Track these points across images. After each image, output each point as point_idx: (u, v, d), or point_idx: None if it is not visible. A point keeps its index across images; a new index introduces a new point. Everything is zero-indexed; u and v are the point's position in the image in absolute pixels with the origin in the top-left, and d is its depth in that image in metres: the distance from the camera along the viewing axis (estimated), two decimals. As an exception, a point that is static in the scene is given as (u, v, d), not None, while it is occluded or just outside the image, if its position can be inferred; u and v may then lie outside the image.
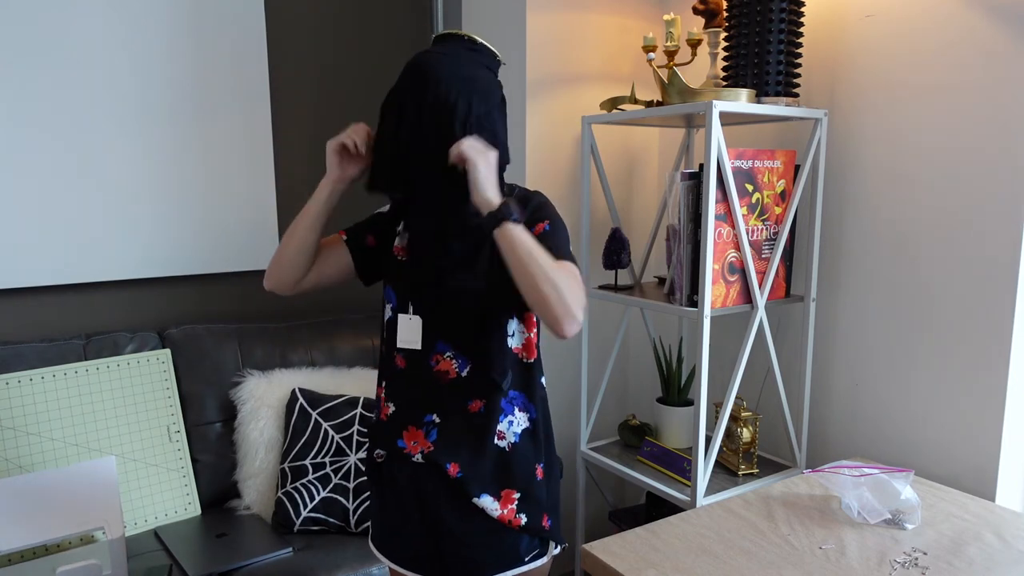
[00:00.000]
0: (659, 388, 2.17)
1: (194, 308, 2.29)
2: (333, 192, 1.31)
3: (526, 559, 1.31)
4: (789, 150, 1.83)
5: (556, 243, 1.23)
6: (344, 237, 1.38)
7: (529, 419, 1.32)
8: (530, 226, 1.25)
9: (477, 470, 1.27)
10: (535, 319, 1.34)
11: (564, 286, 1.11)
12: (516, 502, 1.29)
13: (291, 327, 2.22)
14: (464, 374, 1.28)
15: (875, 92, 1.80)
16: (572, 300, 1.11)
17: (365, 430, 1.95)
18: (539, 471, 1.32)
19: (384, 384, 1.35)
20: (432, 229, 1.27)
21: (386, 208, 1.42)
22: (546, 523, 1.33)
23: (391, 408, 1.33)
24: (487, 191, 1.16)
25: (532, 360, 1.33)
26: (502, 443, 1.29)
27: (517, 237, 1.14)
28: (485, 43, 1.26)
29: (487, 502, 1.27)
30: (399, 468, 1.31)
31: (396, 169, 1.25)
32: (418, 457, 1.29)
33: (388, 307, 1.35)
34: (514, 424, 1.31)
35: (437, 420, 1.29)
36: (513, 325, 1.31)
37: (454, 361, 1.28)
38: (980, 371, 1.65)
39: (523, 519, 1.30)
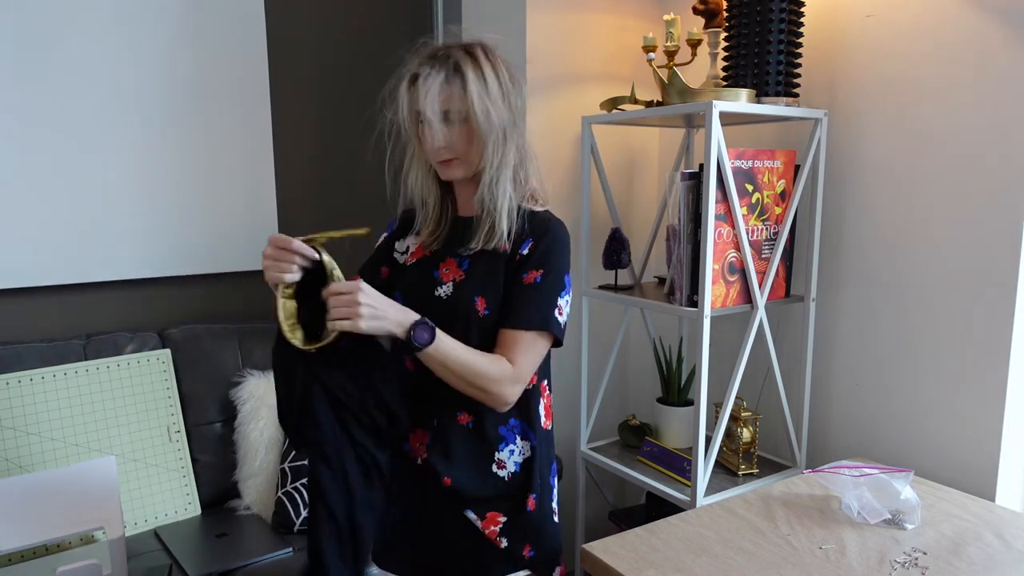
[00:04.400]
0: (659, 388, 2.17)
1: (194, 308, 2.29)
2: None
3: None
4: (789, 150, 1.83)
5: (539, 299, 1.21)
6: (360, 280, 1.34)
7: (531, 447, 1.30)
8: (525, 268, 1.22)
9: (470, 488, 1.26)
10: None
11: (493, 379, 1.17)
12: (500, 525, 1.28)
13: (291, 327, 2.21)
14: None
15: (875, 92, 1.80)
16: (501, 390, 1.18)
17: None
18: (531, 502, 1.29)
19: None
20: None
21: (381, 239, 1.41)
22: (527, 553, 1.30)
23: (404, 412, 1.29)
24: (385, 331, 1.12)
25: (530, 386, 1.29)
26: (502, 472, 1.28)
27: (433, 358, 1.16)
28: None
29: (471, 516, 1.28)
30: (401, 475, 1.31)
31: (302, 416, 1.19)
32: (419, 460, 1.29)
33: None
34: (515, 453, 1.28)
35: (435, 424, 1.28)
36: None
37: None
38: (980, 371, 1.65)
39: (504, 542, 1.28)
